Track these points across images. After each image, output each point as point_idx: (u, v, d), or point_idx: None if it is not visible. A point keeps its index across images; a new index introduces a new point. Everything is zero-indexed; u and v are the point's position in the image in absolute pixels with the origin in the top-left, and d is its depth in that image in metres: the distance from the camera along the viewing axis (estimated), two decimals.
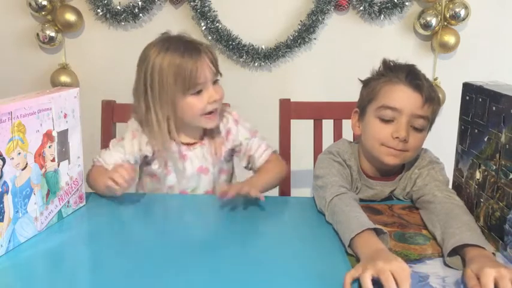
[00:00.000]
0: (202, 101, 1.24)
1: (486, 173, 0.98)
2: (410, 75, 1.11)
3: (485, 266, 0.79)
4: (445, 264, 0.88)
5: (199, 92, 1.24)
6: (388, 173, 1.19)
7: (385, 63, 1.17)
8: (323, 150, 1.55)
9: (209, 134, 1.34)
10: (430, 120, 1.12)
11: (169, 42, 1.25)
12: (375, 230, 0.92)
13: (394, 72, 1.13)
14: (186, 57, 1.21)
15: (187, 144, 1.33)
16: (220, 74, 1.29)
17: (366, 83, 1.20)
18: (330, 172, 1.13)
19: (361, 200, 1.15)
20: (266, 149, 1.38)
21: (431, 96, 1.10)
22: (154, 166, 1.33)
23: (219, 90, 1.27)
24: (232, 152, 1.40)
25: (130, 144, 1.30)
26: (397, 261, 0.79)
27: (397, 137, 1.09)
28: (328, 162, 1.16)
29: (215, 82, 1.27)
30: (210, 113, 1.26)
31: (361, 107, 1.19)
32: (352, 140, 1.28)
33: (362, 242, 0.89)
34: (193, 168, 1.33)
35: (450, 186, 1.15)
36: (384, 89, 1.12)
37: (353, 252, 0.91)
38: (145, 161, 1.34)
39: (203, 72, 1.22)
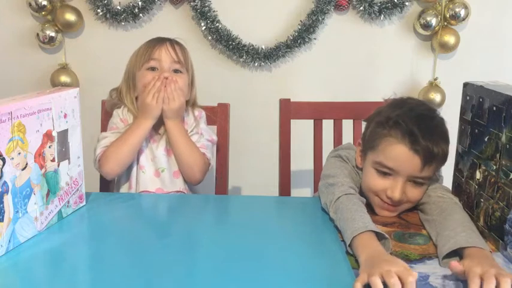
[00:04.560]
0: (153, 75, 1.37)
1: (486, 173, 0.98)
2: (410, 136, 1.03)
3: (476, 264, 0.80)
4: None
5: (153, 69, 1.39)
6: None
7: (388, 110, 1.10)
8: (323, 149, 1.57)
9: None
10: (432, 176, 1.09)
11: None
12: (377, 234, 0.92)
13: (394, 128, 1.05)
14: (152, 41, 1.43)
15: (156, 129, 1.44)
16: (188, 72, 1.43)
17: (369, 122, 1.14)
18: (342, 173, 1.12)
19: None
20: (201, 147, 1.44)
21: (431, 157, 1.03)
22: None
23: (176, 77, 1.38)
24: None
25: (122, 125, 1.43)
26: (401, 263, 0.79)
27: (390, 198, 1.07)
28: (341, 164, 1.16)
29: (176, 71, 1.40)
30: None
31: (363, 145, 1.14)
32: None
33: (363, 242, 0.89)
34: (159, 150, 1.43)
35: (450, 186, 1.15)
36: (383, 144, 1.06)
37: (352, 251, 0.91)
38: None
39: (159, 51, 1.39)
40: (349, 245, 0.91)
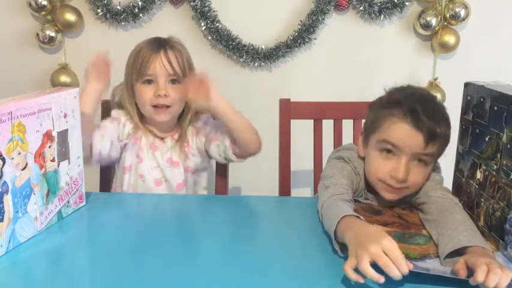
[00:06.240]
0: (149, 91, 1.34)
1: (487, 172, 0.98)
2: (412, 113, 1.04)
3: (480, 256, 0.81)
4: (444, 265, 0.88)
5: (150, 82, 1.35)
6: None
7: (390, 94, 1.12)
8: (323, 149, 1.57)
9: (181, 130, 1.42)
10: (436, 156, 1.09)
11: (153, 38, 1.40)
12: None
13: (397, 107, 1.07)
14: (147, 47, 1.35)
15: (160, 137, 1.42)
16: (183, 76, 1.35)
17: (371, 108, 1.16)
18: (340, 173, 1.12)
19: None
20: None
21: (434, 135, 1.04)
22: (129, 155, 1.40)
23: (172, 89, 1.34)
24: (206, 150, 1.43)
25: (111, 126, 1.38)
26: (385, 238, 0.80)
27: (394, 177, 1.07)
28: (341, 166, 1.15)
29: (173, 82, 1.36)
30: (157, 107, 1.35)
31: (366, 132, 1.15)
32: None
33: (343, 228, 0.89)
34: (163, 159, 1.40)
35: (450, 186, 1.15)
36: (386, 123, 1.08)
37: (339, 249, 0.91)
38: (121, 154, 1.42)
39: (153, 66, 1.33)
40: (335, 240, 0.92)
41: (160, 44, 1.37)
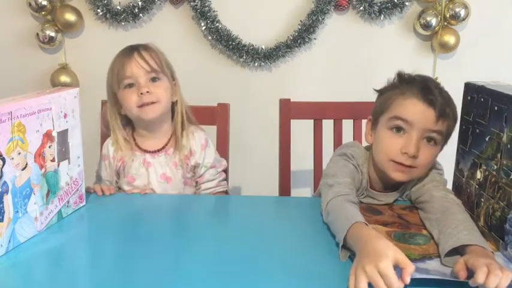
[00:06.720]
0: (133, 94, 1.34)
1: (487, 172, 0.98)
2: (424, 89, 1.07)
3: (480, 257, 0.81)
4: (444, 264, 0.88)
5: (131, 86, 1.34)
6: (394, 186, 1.18)
7: (400, 75, 1.15)
8: (323, 149, 1.57)
9: (175, 144, 1.41)
10: (444, 136, 1.10)
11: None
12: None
13: (408, 85, 1.10)
14: (122, 53, 1.37)
15: (152, 152, 1.40)
16: (166, 75, 1.37)
17: (380, 93, 1.18)
18: (343, 172, 1.12)
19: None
20: (216, 186, 1.44)
21: (445, 112, 1.07)
22: (121, 178, 1.40)
23: (154, 86, 1.35)
24: (195, 168, 1.43)
25: (105, 171, 1.42)
26: (384, 260, 0.77)
27: (405, 153, 1.07)
28: (343, 163, 1.15)
29: (154, 80, 1.36)
30: (143, 105, 1.34)
31: (375, 116, 1.17)
32: (355, 141, 1.28)
33: (351, 237, 0.89)
34: (157, 176, 1.39)
35: (450, 186, 1.15)
36: (397, 100, 1.10)
37: (340, 252, 0.91)
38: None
39: (130, 68, 1.33)
40: (343, 247, 0.91)
41: (133, 48, 1.38)
